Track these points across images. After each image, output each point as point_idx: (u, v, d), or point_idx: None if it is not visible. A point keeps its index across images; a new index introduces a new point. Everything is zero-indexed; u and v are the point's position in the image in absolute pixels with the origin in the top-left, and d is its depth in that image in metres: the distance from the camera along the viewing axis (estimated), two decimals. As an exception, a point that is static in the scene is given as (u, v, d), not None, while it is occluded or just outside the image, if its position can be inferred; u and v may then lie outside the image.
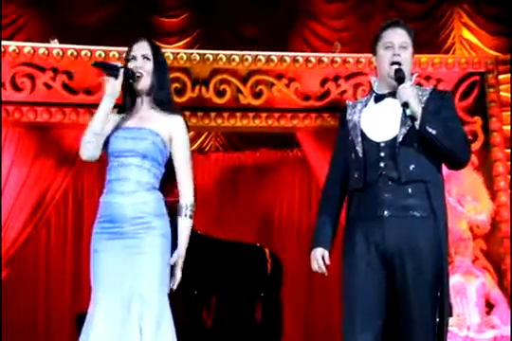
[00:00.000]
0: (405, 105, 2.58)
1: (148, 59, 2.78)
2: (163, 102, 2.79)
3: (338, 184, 2.76)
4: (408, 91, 2.59)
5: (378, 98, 2.74)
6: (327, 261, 2.71)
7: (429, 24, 6.84)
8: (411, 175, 2.58)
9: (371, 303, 2.56)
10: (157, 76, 2.78)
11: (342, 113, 2.82)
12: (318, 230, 2.77)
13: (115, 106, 2.80)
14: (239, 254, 5.85)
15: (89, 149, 2.72)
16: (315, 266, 2.73)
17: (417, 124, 2.56)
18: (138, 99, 2.81)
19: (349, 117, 2.75)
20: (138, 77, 2.76)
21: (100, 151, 2.76)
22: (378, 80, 2.76)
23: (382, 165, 2.61)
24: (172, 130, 2.76)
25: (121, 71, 2.70)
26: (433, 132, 2.55)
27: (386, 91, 2.72)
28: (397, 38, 2.69)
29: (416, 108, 2.57)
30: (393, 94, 2.69)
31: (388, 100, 2.71)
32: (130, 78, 2.75)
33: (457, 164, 2.70)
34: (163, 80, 2.80)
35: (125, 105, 2.82)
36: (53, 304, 6.55)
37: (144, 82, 2.77)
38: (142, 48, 2.80)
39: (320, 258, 2.71)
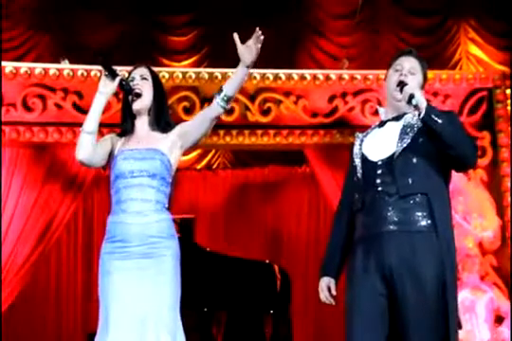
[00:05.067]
0: (411, 97, 2.60)
1: (146, 79, 2.84)
2: (162, 124, 2.82)
3: (347, 209, 2.77)
4: (411, 86, 2.64)
5: (382, 124, 2.79)
6: (333, 292, 2.72)
7: (436, 39, 6.87)
8: (410, 188, 2.57)
9: (372, 322, 2.55)
10: (156, 97, 2.83)
11: (352, 144, 2.85)
12: (326, 257, 2.78)
13: (118, 127, 2.85)
14: (248, 271, 5.87)
15: (83, 148, 2.73)
16: (322, 297, 2.74)
17: (423, 113, 2.56)
18: (138, 121, 2.85)
19: (355, 147, 2.79)
20: (138, 94, 2.80)
21: (98, 159, 2.77)
22: (386, 105, 2.81)
23: (379, 181, 2.61)
24: (175, 137, 2.79)
25: (118, 78, 2.75)
26: (439, 120, 2.54)
27: (391, 116, 2.77)
28: (407, 63, 2.76)
29: (421, 98, 2.58)
30: (396, 118, 2.73)
31: (390, 124, 2.75)
32: (128, 92, 2.80)
33: (464, 161, 2.62)
34: (162, 103, 2.85)
35: (126, 128, 2.86)
36: (64, 324, 6.56)
37: (143, 102, 2.81)
38: (141, 71, 2.88)
39: (325, 289, 2.72)
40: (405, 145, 2.61)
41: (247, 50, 2.74)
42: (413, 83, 2.70)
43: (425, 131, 2.62)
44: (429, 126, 2.56)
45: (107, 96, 2.77)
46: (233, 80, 2.79)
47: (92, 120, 2.75)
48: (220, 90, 2.77)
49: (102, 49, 6.06)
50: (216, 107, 2.78)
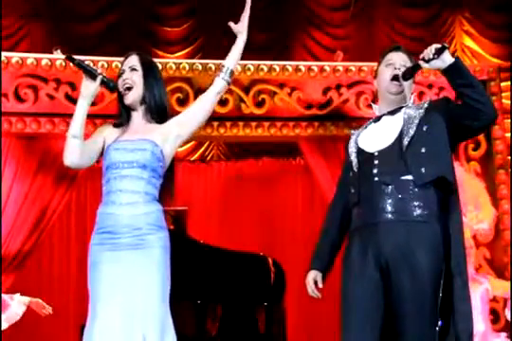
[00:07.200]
0: (443, 48, 2.58)
1: (135, 70, 2.77)
2: (158, 114, 2.78)
3: (340, 205, 2.77)
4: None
5: (378, 119, 2.80)
6: (320, 285, 2.73)
7: (431, 31, 6.86)
8: (425, 177, 2.56)
9: (367, 313, 2.54)
10: (148, 87, 2.77)
11: (347, 141, 2.85)
12: (315, 251, 2.80)
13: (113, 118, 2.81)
14: (242, 263, 5.84)
15: (70, 153, 2.69)
16: (309, 291, 2.75)
17: (453, 58, 2.56)
18: (134, 113, 2.80)
19: (351, 142, 2.79)
20: (129, 88, 2.75)
21: (86, 160, 2.73)
22: (379, 101, 2.81)
23: (375, 172, 2.61)
24: (172, 126, 2.76)
25: (99, 78, 2.68)
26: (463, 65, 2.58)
27: (385, 111, 2.76)
28: (399, 58, 2.77)
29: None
30: (390, 113, 2.74)
31: (385, 118, 2.75)
32: (113, 89, 2.75)
33: (486, 108, 2.57)
34: (155, 91, 2.78)
35: (122, 119, 2.81)
36: (56, 314, 6.52)
37: (134, 95, 2.75)
38: (130, 61, 2.80)
39: (312, 282, 2.73)
40: (411, 135, 2.60)
41: (240, 24, 2.82)
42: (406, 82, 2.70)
43: (427, 118, 2.62)
44: (459, 68, 2.56)
45: (90, 98, 2.71)
46: (234, 52, 2.82)
47: (77, 124, 2.69)
48: (222, 66, 2.80)
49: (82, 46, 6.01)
50: (220, 82, 2.78)
